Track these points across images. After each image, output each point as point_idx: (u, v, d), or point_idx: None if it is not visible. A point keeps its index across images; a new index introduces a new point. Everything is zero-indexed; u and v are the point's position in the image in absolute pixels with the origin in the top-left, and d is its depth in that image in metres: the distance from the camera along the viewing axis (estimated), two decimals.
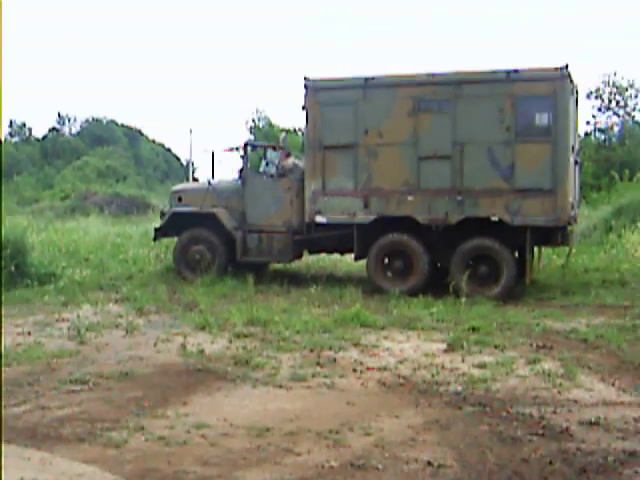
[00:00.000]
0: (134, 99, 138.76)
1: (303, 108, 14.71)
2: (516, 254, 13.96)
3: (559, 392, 7.56)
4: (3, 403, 7.28)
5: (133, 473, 5.58)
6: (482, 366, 8.54)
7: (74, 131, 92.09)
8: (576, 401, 7.26)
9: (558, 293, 13.99)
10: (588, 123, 38.72)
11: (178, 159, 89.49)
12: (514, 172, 13.35)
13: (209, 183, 16.26)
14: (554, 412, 6.90)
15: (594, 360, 8.91)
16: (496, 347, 9.49)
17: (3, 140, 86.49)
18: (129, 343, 9.98)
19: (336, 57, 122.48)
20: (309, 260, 17.76)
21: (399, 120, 14.04)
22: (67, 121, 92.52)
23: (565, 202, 13.23)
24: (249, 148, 16.39)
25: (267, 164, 16.21)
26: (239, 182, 15.88)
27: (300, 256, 16.20)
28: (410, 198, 14.01)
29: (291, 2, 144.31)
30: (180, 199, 16.43)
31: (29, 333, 10.59)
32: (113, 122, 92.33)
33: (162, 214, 17.07)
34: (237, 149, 16.08)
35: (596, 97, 38.01)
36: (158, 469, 5.65)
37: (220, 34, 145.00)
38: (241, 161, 16.02)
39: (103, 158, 72.68)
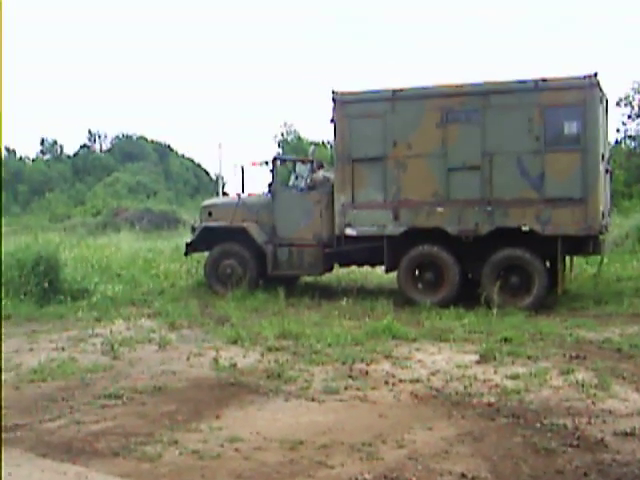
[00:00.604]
0: (163, 115, 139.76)
1: (331, 121, 14.74)
2: (547, 264, 13.87)
3: (593, 402, 7.49)
4: (38, 418, 7.38)
5: None
6: (515, 377, 8.49)
7: (105, 148, 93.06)
8: (611, 411, 7.19)
9: (591, 303, 13.86)
10: (618, 131, 38.41)
11: (208, 174, 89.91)
12: (544, 181, 13.27)
13: (239, 197, 16.34)
14: (588, 423, 6.84)
15: (628, 370, 8.82)
16: (529, 358, 9.42)
17: (34, 158, 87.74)
18: (162, 358, 10.03)
19: (365, 69, 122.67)
20: (340, 273, 17.75)
21: (428, 131, 14.00)
22: (98, 138, 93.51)
23: (596, 211, 13.13)
24: (278, 162, 16.43)
25: (296, 178, 16.27)
26: (269, 196, 15.94)
27: (331, 269, 16.19)
28: (440, 209, 13.96)
29: (319, 16, 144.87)
30: (210, 214, 16.51)
31: (63, 348, 10.68)
32: (143, 138, 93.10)
33: (193, 229, 17.14)
34: (266, 163, 16.11)
35: (626, 104, 37.68)
36: None
37: (248, 49, 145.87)
38: (270, 175, 16.05)
39: (133, 174, 73.40)
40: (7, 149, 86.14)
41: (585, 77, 13.15)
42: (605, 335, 10.89)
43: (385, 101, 14.38)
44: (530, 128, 13.35)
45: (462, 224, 13.85)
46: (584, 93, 13.14)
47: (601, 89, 13.50)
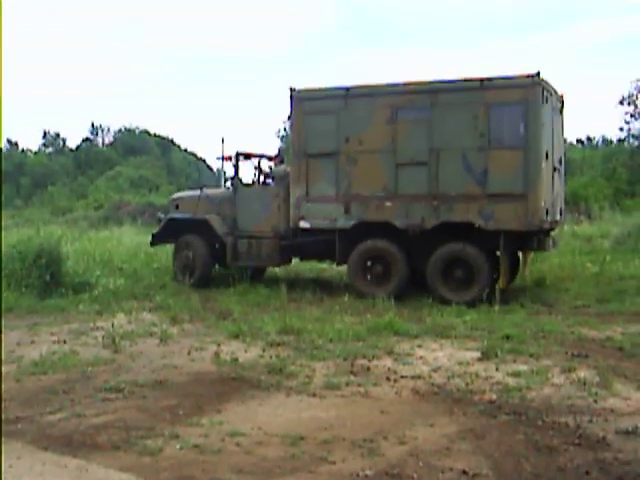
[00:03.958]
0: (166, 108, 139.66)
1: (289, 118, 15.01)
2: (500, 258, 13.96)
3: (595, 401, 7.48)
4: (39, 411, 7.37)
5: None
6: (517, 374, 8.48)
7: (107, 141, 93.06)
8: (612, 410, 7.18)
9: (593, 301, 13.86)
10: (622, 129, 38.44)
11: (210, 168, 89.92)
12: (487, 177, 13.49)
13: (201, 190, 16.98)
14: (590, 421, 6.82)
15: (630, 368, 8.81)
16: (531, 355, 9.40)
17: (37, 150, 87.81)
18: (163, 352, 10.02)
19: (370, 65, 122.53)
20: (342, 269, 17.75)
21: (378, 128, 14.33)
22: (100, 131, 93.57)
23: (537, 207, 13.27)
24: (241, 157, 16.87)
25: (259, 172, 16.88)
26: (231, 190, 16.48)
27: (289, 261, 16.67)
28: (388, 204, 14.26)
29: (323, 10, 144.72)
30: (177, 206, 17.32)
31: (64, 341, 10.68)
32: (145, 132, 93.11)
33: (159, 220, 17.86)
34: (230, 158, 16.55)
35: (629, 103, 37.66)
36: (193, 477, 5.66)
37: (252, 41, 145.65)
38: (233, 169, 16.64)
39: (136, 168, 73.38)
40: (9, 141, 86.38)
41: (527, 76, 13.34)
42: (607, 333, 10.88)
43: (338, 98, 14.75)
44: (475, 125, 13.60)
45: (409, 218, 14.11)
46: (526, 92, 13.32)
47: (546, 88, 13.65)
